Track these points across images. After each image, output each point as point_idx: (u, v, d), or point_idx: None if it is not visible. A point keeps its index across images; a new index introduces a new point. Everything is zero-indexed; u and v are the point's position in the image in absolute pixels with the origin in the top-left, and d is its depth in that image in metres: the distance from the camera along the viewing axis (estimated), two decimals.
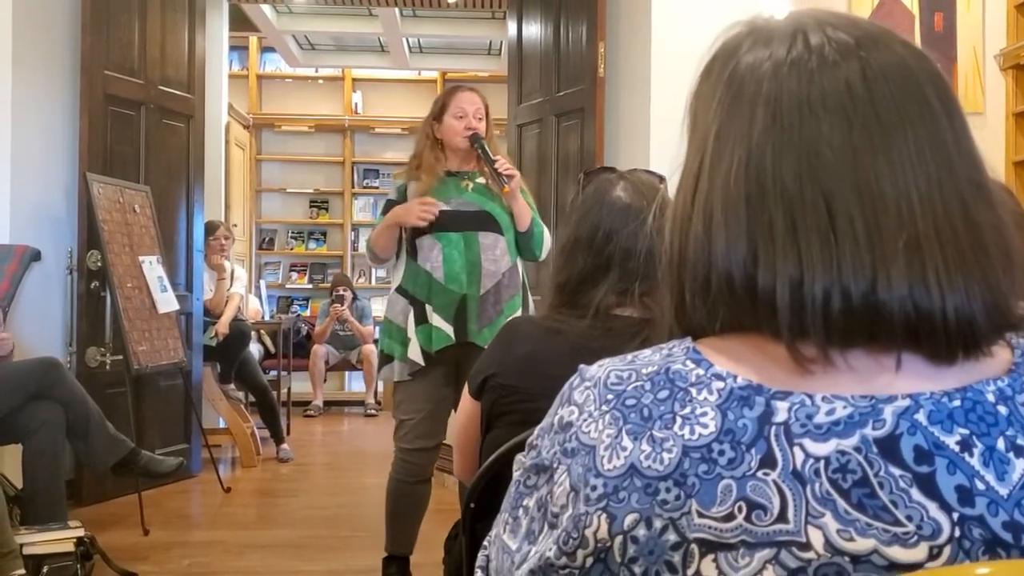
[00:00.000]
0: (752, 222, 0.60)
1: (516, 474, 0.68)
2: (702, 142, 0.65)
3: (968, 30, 3.62)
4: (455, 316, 2.70)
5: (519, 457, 0.69)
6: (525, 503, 0.66)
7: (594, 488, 0.59)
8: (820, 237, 0.58)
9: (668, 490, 0.57)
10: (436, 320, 2.71)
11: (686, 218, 0.64)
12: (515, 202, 2.75)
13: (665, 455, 0.58)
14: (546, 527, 0.63)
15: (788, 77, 0.61)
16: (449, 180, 2.80)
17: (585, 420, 0.63)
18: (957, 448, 0.55)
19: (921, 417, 0.56)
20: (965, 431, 0.56)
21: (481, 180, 2.80)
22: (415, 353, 2.73)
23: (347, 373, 7.68)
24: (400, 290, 2.80)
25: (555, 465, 0.63)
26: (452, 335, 2.70)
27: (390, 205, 2.85)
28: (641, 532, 0.57)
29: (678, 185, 0.67)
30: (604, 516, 0.58)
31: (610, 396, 0.63)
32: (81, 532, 2.88)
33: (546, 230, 2.84)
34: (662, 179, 1.58)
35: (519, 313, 2.74)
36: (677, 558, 0.56)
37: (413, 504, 2.87)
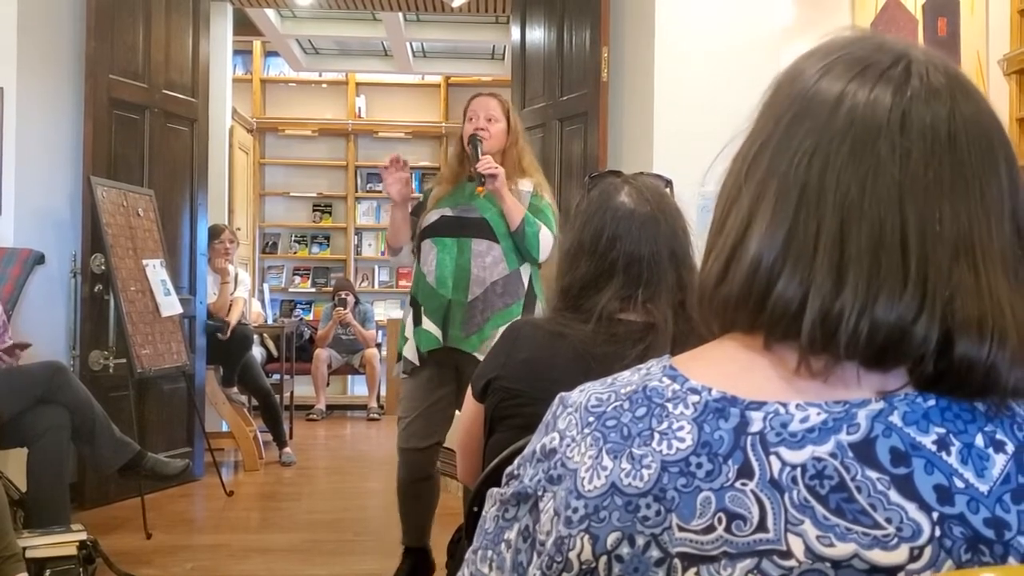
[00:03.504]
0: (798, 217, 0.59)
1: (492, 509, 0.68)
2: (775, 118, 0.64)
3: (971, 35, 3.62)
4: (443, 320, 2.75)
5: (493, 491, 0.68)
6: (507, 536, 0.66)
7: (575, 510, 0.60)
8: (870, 256, 0.57)
9: (648, 506, 0.57)
10: (426, 322, 2.77)
11: (736, 188, 0.64)
12: (500, 201, 2.73)
13: (644, 471, 0.58)
14: (534, 556, 0.63)
15: (882, 92, 0.60)
16: (467, 185, 2.83)
17: (568, 445, 0.63)
18: (934, 447, 0.55)
19: (896, 419, 0.56)
20: (942, 430, 0.56)
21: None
22: (411, 352, 2.81)
23: (350, 377, 7.68)
24: (411, 291, 2.90)
25: (540, 493, 0.63)
26: (440, 338, 2.76)
27: (418, 208, 2.95)
28: (625, 550, 0.57)
29: (736, 154, 0.66)
30: (587, 537, 0.58)
31: (591, 419, 0.63)
32: (84, 536, 2.87)
33: (545, 231, 2.78)
34: (668, 183, 1.58)
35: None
36: (661, 574, 0.56)
37: (418, 500, 2.92)
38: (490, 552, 0.67)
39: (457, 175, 2.87)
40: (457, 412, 2.80)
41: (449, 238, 2.77)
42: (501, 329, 2.64)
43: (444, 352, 2.76)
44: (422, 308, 2.79)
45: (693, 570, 0.55)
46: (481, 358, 2.66)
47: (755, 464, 0.57)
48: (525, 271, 2.81)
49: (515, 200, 2.75)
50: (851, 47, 0.64)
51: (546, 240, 2.78)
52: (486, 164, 2.69)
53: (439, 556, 3.00)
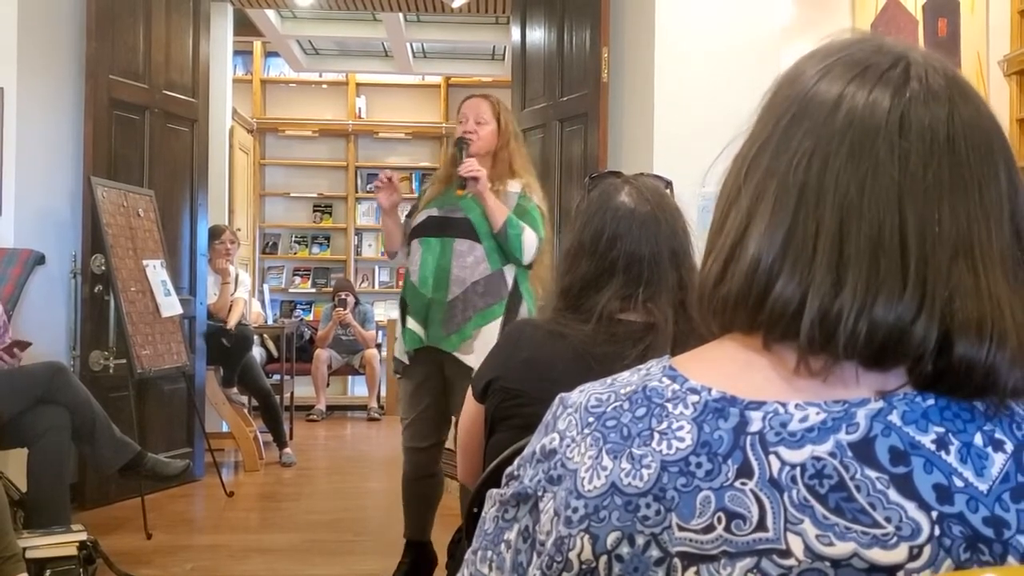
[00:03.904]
0: (797, 217, 0.59)
1: (492, 510, 0.68)
2: (774, 119, 0.64)
3: (972, 36, 3.62)
4: (424, 319, 2.80)
5: (492, 492, 0.69)
6: (506, 537, 0.66)
7: (575, 510, 0.60)
8: (869, 256, 0.57)
9: (648, 506, 0.57)
10: (410, 322, 2.83)
11: (735, 188, 0.64)
12: (483, 203, 2.76)
13: (644, 471, 0.59)
14: (534, 556, 0.63)
15: (881, 94, 0.60)
16: (457, 186, 2.85)
17: (568, 446, 0.63)
18: (933, 447, 0.56)
19: (895, 418, 0.56)
20: (941, 429, 0.56)
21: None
22: (400, 352, 2.89)
23: (350, 377, 7.68)
24: (401, 292, 2.96)
25: (540, 493, 0.63)
26: (423, 337, 2.80)
27: (413, 209, 3.00)
28: (625, 550, 0.57)
29: (736, 155, 0.66)
30: (587, 537, 0.59)
31: (591, 419, 0.63)
32: (84, 536, 2.87)
33: (529, 233, 2.77)
34: (668, 184, 1.58)
35: (497, 322, 2.76)
36: (661, 574, 0.56)
37: (421, 496, 2.97)
38: (490, 552, 0.67)
39: (449, 176, 2.91)
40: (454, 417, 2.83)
41: (434, 238, 2.81)
42: (483, 329, 2.73)
43: (428, 351, 2.80)
44: (408, 308, 2.84)
45: (693, 569, 0.56)
46: (461, 358, 2.73)
47: (754, 463, 0.57)
48: (509, 272, 2.82)
49: (497, 202, 2.77)
50: (850, 49, 0.64)
51: (530, 242, 2.78)
52: (467, 167, 2.73)
53: (440, 553, 3.01)
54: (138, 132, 4.38)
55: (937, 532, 0.53)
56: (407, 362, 2.84)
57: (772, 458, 0.57)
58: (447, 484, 4.15)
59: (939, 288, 0.57)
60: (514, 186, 2.86)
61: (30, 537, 2.82)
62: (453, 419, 2.83)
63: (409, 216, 3.00)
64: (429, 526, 3.02)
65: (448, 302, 2.75)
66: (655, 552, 0.57)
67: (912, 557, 0.53)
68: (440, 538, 2.88)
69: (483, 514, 0.69)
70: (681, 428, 0.59)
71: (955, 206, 0.58)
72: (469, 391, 1.60)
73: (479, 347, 2.70)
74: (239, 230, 6.48)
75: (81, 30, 4.14)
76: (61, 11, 4.11)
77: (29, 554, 2.72)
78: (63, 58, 4.12)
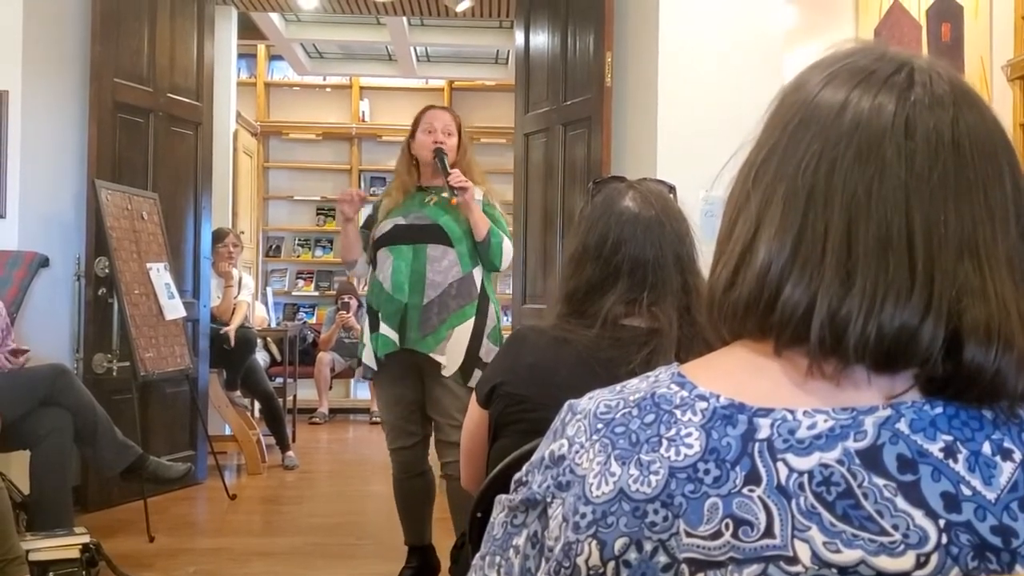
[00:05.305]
0: (806, 219, 0.60)
1: (500, 515, 0.68)
2: (781, 126, 0.64)
3: (975, 40, 3.61)
4: (399, 324, 2.85)
5: (501, 498, 0.69)
6: (515, 542, 0.66)
7: (583, 516, 0.60)
8: (877, 256, 0.57)
9: (656, 512, 0.58)
10: (383, 327, 2.88)
11: (744, 194, 0.65)
12: (469, 213, 2.86)
13: (652, 477, 0.59)
14: (542, 562, 0.63)
15: (885, 99, 0.61)
16: (417, 195, 2.95)
17: (577, 452, 0.63)
18: (941, 455, 0.56)
19: (903, 426, 0.57)
20: (949, 437, 0.56)
21: (446, 194, 2.91)
22: (368, 358, 2.95)
23: (352, 380, 7.68)
24: (367, 299, 3.02)
25: (549, 499, 0.64)
26: (397, 341, 2.86)
27: (369, 220, 3.06)
28: (632, 556, 0.57)
29: (743, 162, 0.67)
30: (595, 543, 0.59)
31: (600, 425, 0.63)
32: (87, 538, 2.88)
33: (507, 242, 2.93)
34: (672, 188, 1.58)
35: (469, 323, 2.85)
36: None
37: (412, 496, 3.02)
38: (498, 558, 0.67)
39: (407, 185, 2.98)
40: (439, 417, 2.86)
41: (404, 245, 2.88)
42: (456, 329, 2.83)
43: (404, 354, 2.86)
44: (379, 314, 2.90)
45: (700, 575, 0.56)
46: (436, 358, 2.81)
47: (762, 470, 0.57)
48: (478, 274, 2.92)
49: (481, 212, 2.88)
50: (853, 57, 0.64)
51: (508, 250, 2.94)
52: (457, 178, 2.82)
53: (443, 561, 3.01)
54: (142, 135, 4.39)
55: (944, 540, 0.53)
56: (375, 368, 2.92)
57: (780, 465, 0.57)
58: (444, 486, 4.16)
59: (946, 287, 0.57)
60: (476, 193, 2.95)
61: (33, 540, 2.82)
62: (433, 418, 2.91)
63: (366, 227, 3.05)
64: (427, 528, 3.04)
65: (424, 306, 2.83)
66: (663, 558, 0.57)
67: (919, 565, 0.53)
68: (442, 543, 2.88)
69: (491, 519, 0.69)
70: (689, 435, 0.60)
71: (960, 207, 0.58)
72: (473, 396, 1.60)
73: (451, 347, 2.83)
74: (243, 233, 6.49)
75: (86, 33, 4.14)
76: (66, 14, 4.12)
77: (32, 556, 2.72)
78: (68, 61, 4.13)
